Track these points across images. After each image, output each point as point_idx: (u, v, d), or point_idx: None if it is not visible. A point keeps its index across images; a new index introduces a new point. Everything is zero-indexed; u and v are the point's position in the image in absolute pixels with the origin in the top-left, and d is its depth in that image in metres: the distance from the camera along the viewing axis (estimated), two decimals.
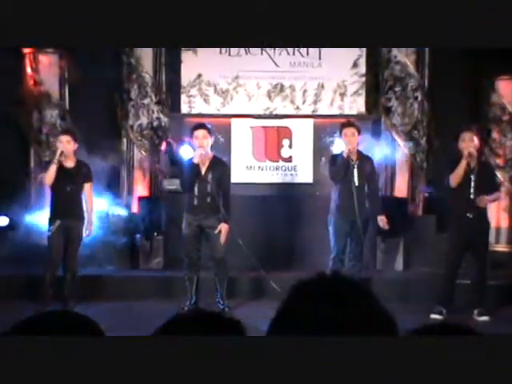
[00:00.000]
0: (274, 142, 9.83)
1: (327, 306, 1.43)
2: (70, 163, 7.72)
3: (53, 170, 7.56)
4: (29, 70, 9.68)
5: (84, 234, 7.75)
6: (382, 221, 7.78)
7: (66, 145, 7.64)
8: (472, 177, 7.49)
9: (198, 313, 1.67)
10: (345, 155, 7.63)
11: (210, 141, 7.56)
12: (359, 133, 7.73)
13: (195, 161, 7.46)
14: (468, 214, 7.47)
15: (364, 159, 7.82)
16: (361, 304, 1.46)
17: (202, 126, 7.65)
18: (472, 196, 7.47)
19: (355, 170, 7.59)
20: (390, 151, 9.76)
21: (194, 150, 7.63)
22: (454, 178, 7.45)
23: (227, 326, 1.65)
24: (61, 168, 7.60)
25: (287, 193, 9.60)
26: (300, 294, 1.49)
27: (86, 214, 7.76)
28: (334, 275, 1.51)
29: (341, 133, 7.81)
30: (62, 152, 7.58)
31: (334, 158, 7.87)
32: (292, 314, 1.48)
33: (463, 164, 7.42)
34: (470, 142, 7.47)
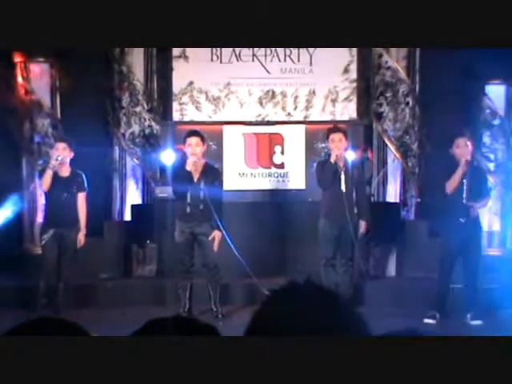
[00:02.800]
0: (266, 149, 9.83)
1: (299, 313, 1.46)
2: (64, 172, 7.74)
3: (49, 175, 7.58)
4: (20, 79, 9.67)
5: (77, 243, 7.76)
6: (362, 225, 7.77)
7: (62, 152, 7.66)
8: (464, 182, 7.51)
9: (175, 318, 1.70)
10: (332, 161, 7.63)
11: (202, 148, 7.58)
12: (346, 138, 7.74)
13: (188, 168, 7.47)
14: (460, 219, 7.49)
15: (352, 164, 7.82)
16: (332, 309, 1.49)
17: (194, 133, 7.67)
18: (464, 201, 7.49)
19: (343, 176, 7.59)
20: (382, 156, 9.79)
21: (186, 157, 7.64)
22: (451, 186, 7.46)
23: (203, 331, 1.68)
24: (56, 177, 7.62)
25: (280, 199, 9.60)
26: (273, 301, 1.52)
27: (79, 223, 7.78)
28: (306, 282, 1.54)
29: (328, 138, 7.81)
30: (57, 157, 7.60)
31: (322, 165, 7.86)
32: (265, 321, 1.50)
33: (459, 172, 7.43)
34: (464, 148, 7.49)
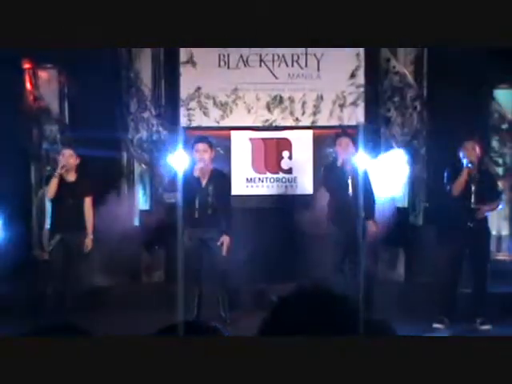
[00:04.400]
0: (273, 154, 9.83)
1: (307, 315, 1.49)
2: (71, 177, 7.76)
3: (54, 183, 7.61)
4: (28, 85, 9.70)
5: (84, 248, 7.77)
6: (371, 224, 7.76)
7: (68, 158, 7.69)
8: (472, 185, 7.50)
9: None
10: (339, 165, 7.63)
11: (210, 154, 7.58)
12: (354, 143, 7.75)
13: (196, 175, 7.47)
14: (469, 223, 7.47)
15: (358, 169, 7.81)
16: (338, 312, 1.52)
17: (202, 139, 7.68)
18: (473, 205, 7.48)
19: (349, 180, 7.59)
20: (390, 161, 9.77)
21: (195, 163, 7.65)
22: (456, 187, 7.46)
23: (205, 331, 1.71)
24: (62, 182, 7.64)
25: (288, 204, 9.59)
26: (283, 304, 1.56)
27: (86, 228, 7.80)
28: (314, 287, 1.58)
29: (335, 143, 7.82)
30: (63, 165, 7.63)
31: (328, 169, 7.87)
32: (276, 322, 1.53)
33: (465, 173, 7.43)
34: (471, 151, 7.49)
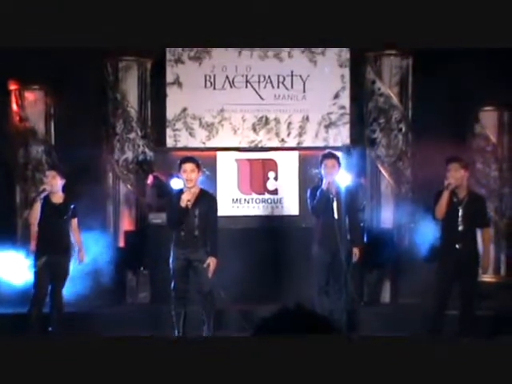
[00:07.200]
0: (259, 175, 9.84)
1: (289, 334, 1.53)
2: (57, 198, 7.72)
3: (36, 207, 7.61)
4: (14, 106, 9.69)
5: (77, 262, 7.80)
6: (355, 253, 7.76)
7: (51, 180, 7.67)
8: (460, 208, 7.49)
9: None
10: (324, 187, 7.63)
11: (198, 174, 7.54)
12: (339, 164, 7.74)
13: (182, 205, 7.37)
14: (456, 245, 7.46)
15: (345, 191, 7.80)
16: (319, 331, 1.55)
17: (190, 159, 7.63)
18: (460, 227, 7.47)
19: (335, 203, 7.57)
20: (375, 182, 9.80)
21: (183, 188, 7.58)
22: (438, 210, 7.45)
23: None
24: (49, 203, 7.62)
25: (273, 225, 9.59)
26: (266, 325, 1.59)
27: (74, 247, 7.80)
28: (296, 308, 1.61)
29: (321, 164, 7.82)
30: (43, 189, 7.64)
31: (314, 191, 7.86)
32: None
33: (445, 196, 7.42)
34: (454, 173, 7.48)
